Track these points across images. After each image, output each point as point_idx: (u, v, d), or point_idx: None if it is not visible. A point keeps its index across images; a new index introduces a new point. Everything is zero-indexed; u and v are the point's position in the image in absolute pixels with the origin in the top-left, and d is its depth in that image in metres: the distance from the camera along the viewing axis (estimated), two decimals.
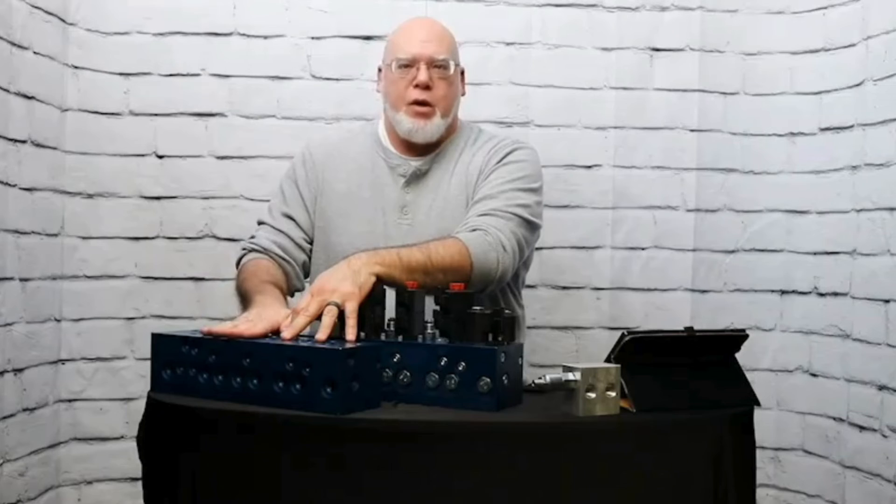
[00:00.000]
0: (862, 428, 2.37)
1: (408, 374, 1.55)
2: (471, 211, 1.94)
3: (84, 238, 2.56)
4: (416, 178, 2.03)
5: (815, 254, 2.58)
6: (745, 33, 2.65)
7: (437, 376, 1.52)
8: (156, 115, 2.59)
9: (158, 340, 1.60)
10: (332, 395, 1.42)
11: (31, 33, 2.32)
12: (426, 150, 2.04)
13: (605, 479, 1.46)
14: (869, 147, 2.37)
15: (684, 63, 2.64)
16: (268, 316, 1.63)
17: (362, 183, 2.04)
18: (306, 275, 2.07)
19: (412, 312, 1.60)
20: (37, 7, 2.35)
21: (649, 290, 2.66)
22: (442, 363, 1.52)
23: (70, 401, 2.56)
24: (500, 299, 2.03)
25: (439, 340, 1.57)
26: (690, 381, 1.58)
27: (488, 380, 1.49)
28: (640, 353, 1.54)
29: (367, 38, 2.60)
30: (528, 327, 2.41)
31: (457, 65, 2.04)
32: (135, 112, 2.58)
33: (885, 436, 2.27)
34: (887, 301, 2.28)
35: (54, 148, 2.47)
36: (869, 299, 2.35)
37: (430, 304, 1.61)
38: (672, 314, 2.63)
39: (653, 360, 1.56)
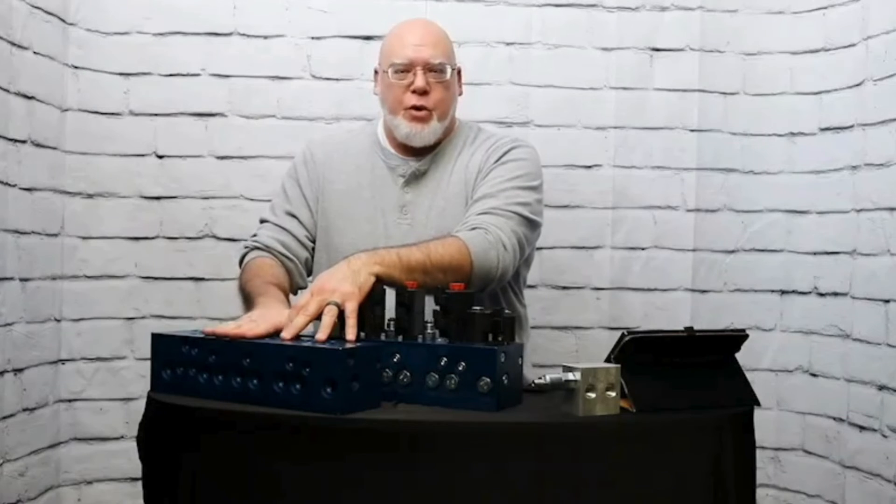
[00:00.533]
0: (862, 428, 2.37)
1: (408, 374, 1.55)
2: (470, 210, 1.94)
3: (84, 238, 2.56)
4: (415, 178, 2.03)
5: (815, 254, 2.58)
6: (745, 33, 2.65)
7: (437, 376, 1.52)
8: (156, 115, 2.59)
9: (158, 340, 1.60)
10: (332, 395, 1.42)
11: (31, 33, 2.32)
12: (425, 151, 2.04)
13: (604, 479, 1.46)
14: (869, 147, 2.37)
15: (684, 63, 2.64)
16: (270, 317, 1.63)
17: (362, 183, 2.05)
18: (309, 272, 2.08)
19: (412, 312, 1.60)
20: (37, 7, 2.35)
21: (649, 290, 2.66)
22: (442, 363, 1.52)
23: (70, 401, 2.56)
24: (501, 299, 2.03)
25: (439, 340, 1.56)
26: (690, 381, 1.58)
27: (488, 380, 1.49)
28: (640, 353, 1.54)
29: (367, 38, 2.60)
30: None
31: (453, 67, 2.03)
32: (135, 112, 2.58)
33: (885, 436, 2.27)
34: (887, 301, 2.27)
35: (54, 148, 2.47)
36: (869, 299, 2.35)
37: (430, 304, 1.61)
38: (672, 314, 2.63)
39: (653, 360, 1.56)
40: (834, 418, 2.50)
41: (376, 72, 2.08)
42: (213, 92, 2.59)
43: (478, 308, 1.56)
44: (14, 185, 2.26)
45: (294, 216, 2.06)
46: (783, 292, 2.66)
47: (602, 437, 1.47)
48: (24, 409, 2.34)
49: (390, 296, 1.67)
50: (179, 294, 2.60)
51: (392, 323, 1.63)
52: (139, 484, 1.60)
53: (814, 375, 2.59)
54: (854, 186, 2.43)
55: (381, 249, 1.76)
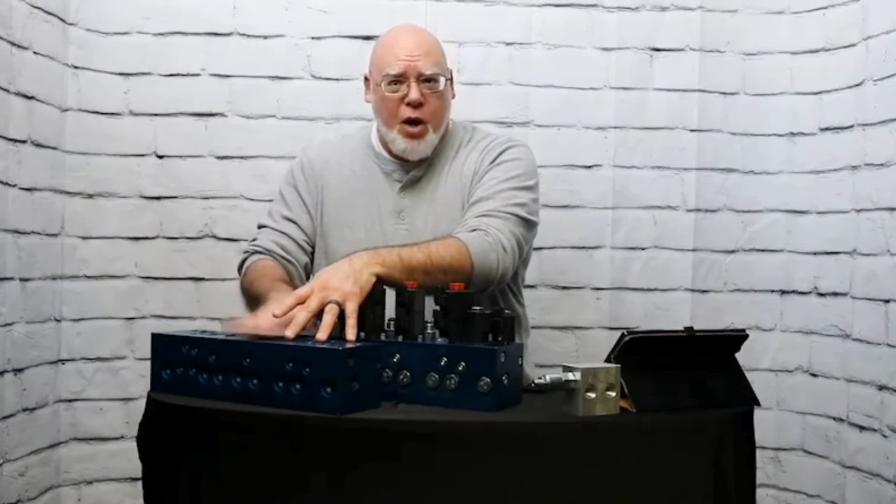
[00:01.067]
0: (862, 428, 2.37)
1: (408, 374, 1.55)
2: (468, 212, 1.94)
3: (84, 238, 2.56)
4: (411, 183, 2.03)
5: (815, 254, 2.58)
6: (745, 33, 2.65)
7: (437, 376, 1.52)
8: (156, 115, 2.59)
9: (158, 340, 1.60)
10: (332, 395, 1.42)
11: (31, 33, 2.32)
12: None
13: (605, 479, 1.46)
14: (869, 147, 2.37)
15: (684, 63, 2.64)
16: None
17: (358, 189, 2.05)
18: (309, 277, 2.07)
19: (412, 312, 1.60)
20: (37, 7, 2.35)
21: (649, 290, 2.66)
22: (442, 363, 1.52)
23: (70, 401, 2.56)
24: (499, 299, 2.03)
25: (439, 340, 1.57)
26: (690, 381, 1.58)
27: (488, 380, 1.49)
28: (640, 353, 1.54)
29: (367, 38, 2.59)
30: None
31: (446, 76, 2.01)
32: (135, 112, 2.58)
33: (885, 436, 2.27)
34: (887, 301, 2.28)
35: (54, 148, 2.47)
36: (869, 299, 2.35)
37: (430, 304, 1.61)
38: (672, 314, 2.63)
39: (653, 360, 1.56)
40: (834, 418, 2.50)
41: (367, 79, 2.07)
42: (213, 92, 2.59)
43: (478, 308, 1.56)
44: (14, 185, 2.26)
45: (293, 221, 2.05)
46: (783, 292, 2.66)
47: (602, 437, 1.47)
48: (24, 409, 2.34)
49: (390, 296, 1.67)
50: (179, 294, 2.60)
51: (392, 323, 1.63)
52: (139, 484, 1.60)
53: (814, 375, 2.59)
54: (854, 186, 2.43)
55: (383, 249, 1.76)
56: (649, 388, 1.54)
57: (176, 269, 2.60)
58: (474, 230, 1.86)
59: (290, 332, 1.55)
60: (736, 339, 1.65)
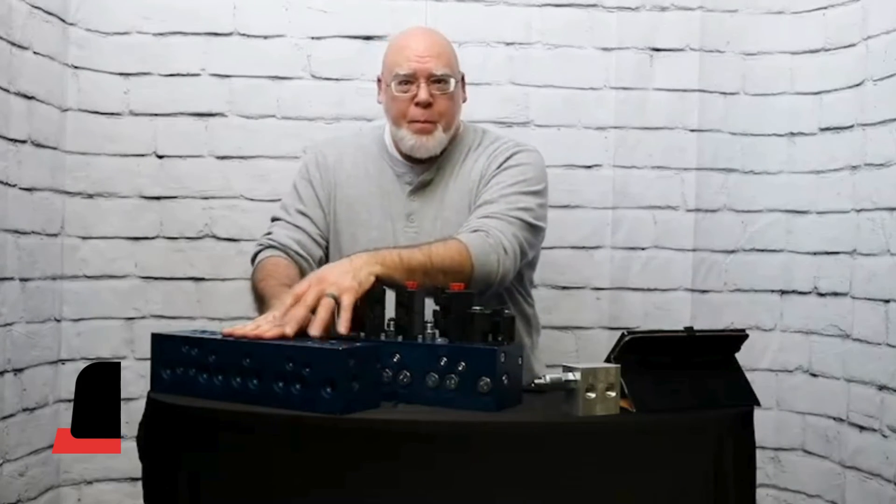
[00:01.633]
0: (862, 428, 2.37)
1: (408, 374, 1.55)
2: (472, 215, 1.94)
3: (84, 238, 2.56)
4: (420, 187, 2.04)
5: (815, 254, 2.58)
6: (745, 33, 2.65)
7: (437, 376, 1.52)
8: (156, 115, 2.59)
9: (158, 340, 1.60)
10: (332, 395, 1.42)
11: (31, 33, 2.32)
12: (431, 159, 2.04)
13: (604, 479, 1.46)
14: (869, 147, 2.37)
15: (684, 63, 2.64)
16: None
17: (371, 190, 2.06)
18: None
19: (412, 312, 1.60)
20: (37, 7, 2.35)
21: (649, 290, 2.66)
22: (442, 363, 1.52)
23: (70, 401, 2.55)
24: (507, 300, 2.03)
25: (439, 340, 1.56)
26: (690, 381, 1.58)
27: (488, 380, 1.49)
28: (640, 353, 1.54)
29: (367, 38, 2.60)
30: None
31: (456, 78, 2.02)
32: (135, 112, 2.58)
33: (885, 436, 2.27)
34: (887, 301, 2.28)
35: (54, 148, 2.47)
36: (869, 299, 2.35)
37: (430, 304, 1.61)
38: (672, 314, 2.63)
39: (653, 360, 1.56)
40: (834, 418, 2.50)
41: (379, 80, 2.08)
42: (213, 92, 2.59)
43: (478, 308, 1.56)
44: (14, 185, 2.26)
45: (307, 216, 2.06)
46: (783, 292, 2.66)
47: (602, 437, 1.47)
48: (24, 409, 2.34)
49: (390, 296, 1.67)
50: (179, 294, 2.60)
51: (392, 323, 1.63)
52: (139, 484, 1.60)
53: (814, 375, 2.59)
54: (854, 186, 2.43)
55: (384, 250, 1.76)
56: (649, 388, 1.54)
57: (176, 269, 2.60)
58: (475, 231, 1.86)
59: (288, 330, 1.55)
60: (736, 339, 1.65)
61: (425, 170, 2.04)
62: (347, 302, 1.59)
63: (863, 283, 2.38)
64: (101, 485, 2.59)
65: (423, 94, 1.96)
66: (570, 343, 2.66)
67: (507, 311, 1.58)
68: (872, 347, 2.33)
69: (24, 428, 2.34)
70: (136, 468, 1.64)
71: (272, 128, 2.61)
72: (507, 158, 2.01)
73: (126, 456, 2.50)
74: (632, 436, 1.49)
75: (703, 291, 2.67)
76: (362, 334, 1.61)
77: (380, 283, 1.67)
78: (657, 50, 2.65)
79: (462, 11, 2.61)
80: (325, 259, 2.07)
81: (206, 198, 2.60)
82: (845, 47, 2.50)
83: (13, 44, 2.24)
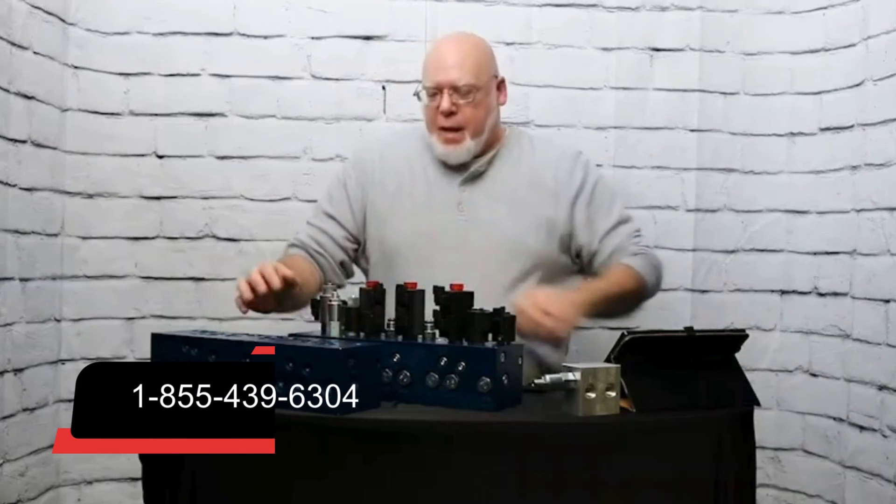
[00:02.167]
0: (862, 428, 2.37)
1: (408, 374, 1.55)
2: (606, 243, 2.08)
3: (84, 238, 2.56)
4: (472, 178, 2.09)
5: (815, 254, 2.58)
6: (745, 33, 2.65)
7: (437, 376, 1.53)
8: (156, 115, 2.58)
9: (158, 340, 1.60)
10: (333, 395, 1.42)
11: (31, 33, 2.32)
12: (481, 153, 2.09)
13: (605, 478, 1.46)
14: (869, 147, 2.37)
15: (684, 63, 2.64)
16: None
17: (414, 181, 2.11)
18: (347, 275, 2.16)
19: (412, 312, 1.60)
20: (37, 7, 2.35)
21: None
22: (442, 363, 1.52)
23: (70, 401, 2.55)
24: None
25: (439, 340, 1.57)
26: (690, 381, 1.58)
27: (488, 380, 1.49)
28: (640, 353, 1.54)
29: (367, 38, 2.59)
30: None
31: (479, 86, 2.04)
32: (135, 112, 2.58)
33: (885, 436, 2.27)
34: (887, 301, 2.27)
35: (54, 148, 2.47)
36: (869, 299, 2.35)
37: (430, 304, 1.61)
38: (672, 314, 2.62)
39: (653, 360, 1.56)
40: (834, 418, 2.50)
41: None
42: (213, 92, 2.59)
43: (478, 308, 1.56)
44: (14, 185, 2.26)
45: (333, 218, 2.14)
46: (783, 292, 2.66)
47: (602, 437, 1.47)
48: (24, 409, 2.34)
49: (390, 296, 1.67)
50: (179, 294, 2.60)
51: (392, 323, 1.63)
52: (139, 484, 1.60)
53: (814, 375, 2.59)
54: (854, 186, 2.43)
55: (589, 287, 2.01)
56: (649, 388, 1.54)
57: (176, 269, 2.60)
58: (636, 255, 2.08)
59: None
60: (736, 339, 1.65)
61: (478, 161, 2.09)
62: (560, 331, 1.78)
63: (863, 283, 2.38)
64: (101, 485, 2.59)
65: (444, 105, 2.03)
66: (570, 343, 2.66)
67: (507, 311, 1.59)
68: (872, 347, 2.33)
69: (24, 428, 2.34)
70: (136, 468, 1.64)
71: (272, 128, 2.60)
72: (590, 183, 2.11)
73: (126, 456, 2.52)
74: (632, 436, 1.49)
75: (703, 291, 2.67)
76: (362, 334, 1.61)
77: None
78: (657, 50, 2.65)
79: (462, 11, 2.61)
80: (349, 261, 2.15)
81: (206, 198, 2.60)
82: (845, 47, 2.50)
83: (13, 44, 2.24)
